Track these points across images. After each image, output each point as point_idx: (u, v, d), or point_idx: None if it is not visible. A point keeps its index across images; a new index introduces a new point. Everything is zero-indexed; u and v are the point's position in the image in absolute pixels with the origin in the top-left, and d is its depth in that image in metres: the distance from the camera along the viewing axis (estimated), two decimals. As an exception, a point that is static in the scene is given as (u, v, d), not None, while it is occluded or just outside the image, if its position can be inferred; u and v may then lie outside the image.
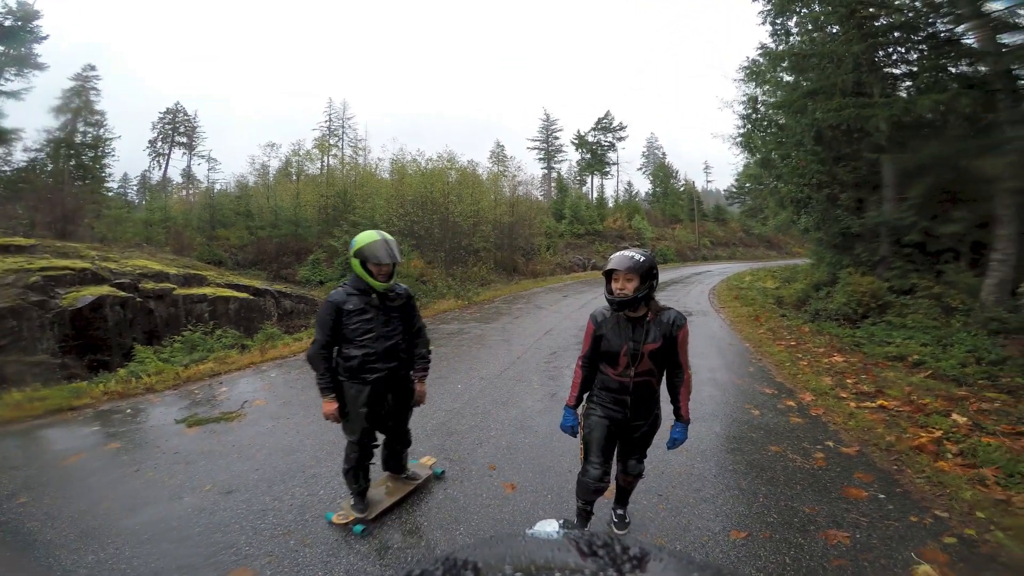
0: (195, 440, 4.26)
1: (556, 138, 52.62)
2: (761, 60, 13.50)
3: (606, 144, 51.01)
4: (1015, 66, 7.61)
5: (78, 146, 25.46)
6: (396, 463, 3.22)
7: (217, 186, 32.34)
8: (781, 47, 12.77)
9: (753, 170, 18.14)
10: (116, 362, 8.02)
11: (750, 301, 13.70)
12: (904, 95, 10.03)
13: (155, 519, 2.97)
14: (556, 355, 7.32)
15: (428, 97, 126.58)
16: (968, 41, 8.53)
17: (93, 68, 28.11)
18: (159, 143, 41.46)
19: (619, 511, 2.86)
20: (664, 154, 56.85)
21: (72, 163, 24.90)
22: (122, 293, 9.25)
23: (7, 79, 18.38)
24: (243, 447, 4.07)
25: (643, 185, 60.77)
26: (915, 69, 9.96)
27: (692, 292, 16.84)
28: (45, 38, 19.46)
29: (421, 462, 3.58)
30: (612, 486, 2.76)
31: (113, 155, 27.68)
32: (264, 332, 9.69)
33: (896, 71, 10.39)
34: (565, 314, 11.57)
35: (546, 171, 51.41)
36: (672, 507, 3.10)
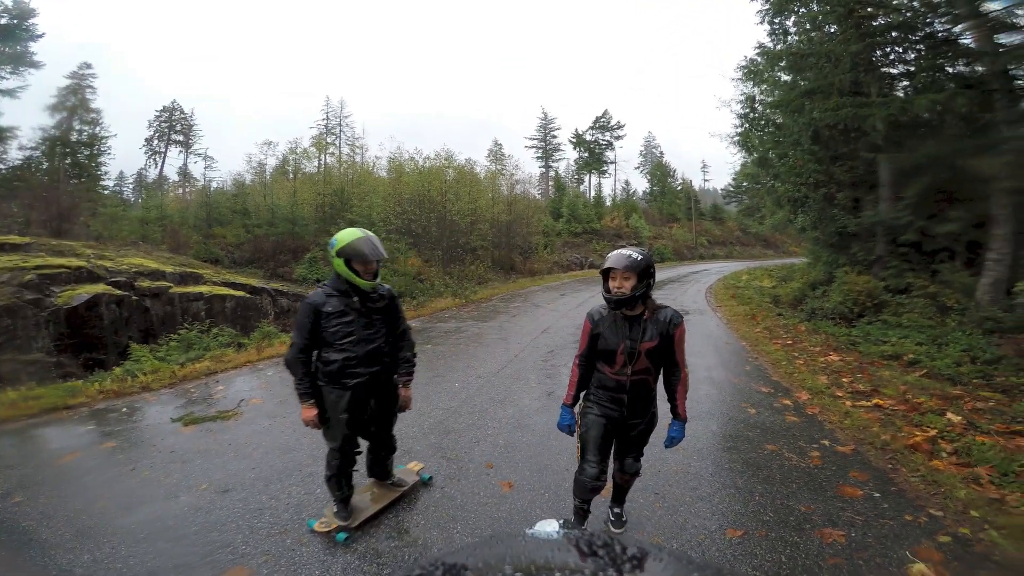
0: (191, 439, 4.25)
1: (554, 137, 52.68)
2: (759, 59, 13.52)
3: (604, 143, 51.06)
4: (1012, 66, 7.63)
5: (74, 144, 25.32)
6: (381, 469, 3.14)
7: (214, 184, 32.34)
8: (779, 46, 12.78)
9: (750, 169, 18.17)
10: (112, 361, 7.99)
11: (747, 300, 13.74)
12: (901, 95, 10.06)
13: (151, 518, 2.96)
14: (553, 353, 7.32)
15: (427, 96, 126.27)
16: (965, 41, 8.56)
17: (89, 66, 28.01)
18: (155, 141, 41.32)
19: (616, 509, 2.87)
20: (662, 153, 57.02)
21: (68, 161, 24.77)
22: (118, 291, 9.21)
23: (2, 77, 18.31)
24: (239, 446, 4.06)
25: (640, 184, 60.87)
26: (912, 69, 9.98)
27: (689, 291, 16.87)
28: (41, 36, 19.38)
29: (408, 467, 3.48)
30: (609, 485, 2.77)
31: (109, 153, 27.54)
32: (261, 330, 9.67)
33: (893, 71, 10.42)
34: (562, 312, 11.58)
35: (544, 170, 51.45)
36: (669, 505, 3.11)
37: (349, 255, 2.59)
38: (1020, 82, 7.81)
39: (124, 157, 56.04)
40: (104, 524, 2.90)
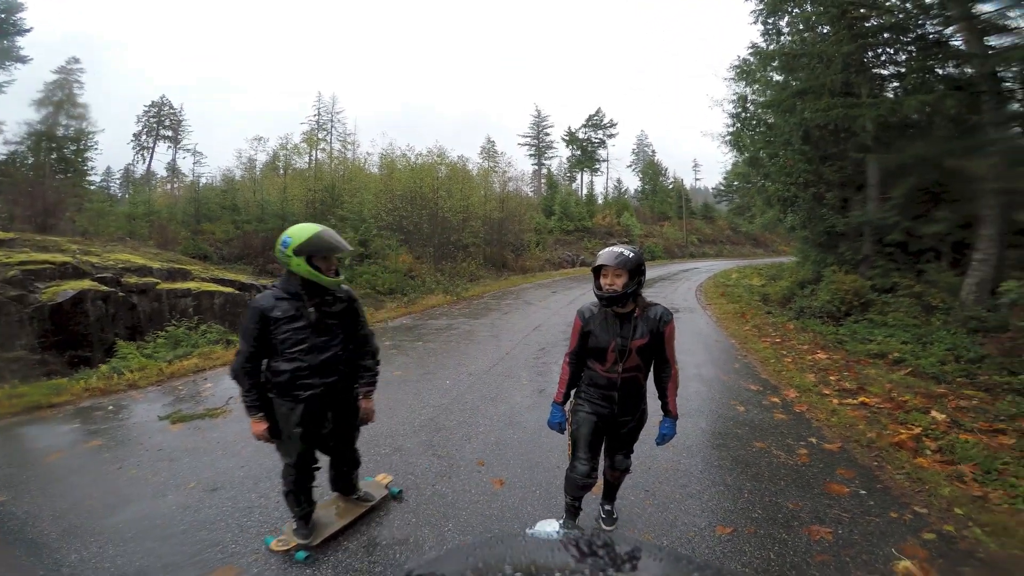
0: (179, 437, 4.21)
1: (547, 134, 52.75)
2: (752, 59, 13.60)
3: (596, 141, 51.12)
4: (1000, 68, 7.74)
5: (60, 139, 24.96)
6: (345, 484, 2.93)
7: (203, 180, 31.89)
8: (772, 47, 12.87)
9: (741, 168, 18.26)
10: (98, 358, 7.88)
11: (736, 298, 13.84)
12: (891, 96, 10.17)
13: (139, 517, 2.93)
14: (545, 351, 7.33)
15: (421, 92, 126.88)
16: (956, 43, 8.66)
17: (77, 61, 27.58)
18: (144, 137, 40.81)
19: (607, 507, 2.88)
20: (654, 152, 57.26)
21: (53, 156, 24.42)
22: (104, 287, 9.08)
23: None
24: (228, 444, 4.03)
25: (632, 182, 61.14)
26: (903, 70, 10.10)
27: (679, 289, 16.97)
28: (28, 31, 19.11)
29: (376, 480, 3.27)
30: (600, 482, 2.78)
31: (96, 148, 27.15)
32: (250, 327, 9.58)
33: (884, 72, 10.54)
34: (554, 310, 11.60)
35: (536, 167, 51.47)
36: (659, 503, 3.13)
37: (311, 251, 2.36)
38: (1008, 84, 7.92)
39: (112, 152, 55.43)
40: (91, 523, 2.86)
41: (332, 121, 40.34)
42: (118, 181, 41.28)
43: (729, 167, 21.68)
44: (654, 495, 3.22)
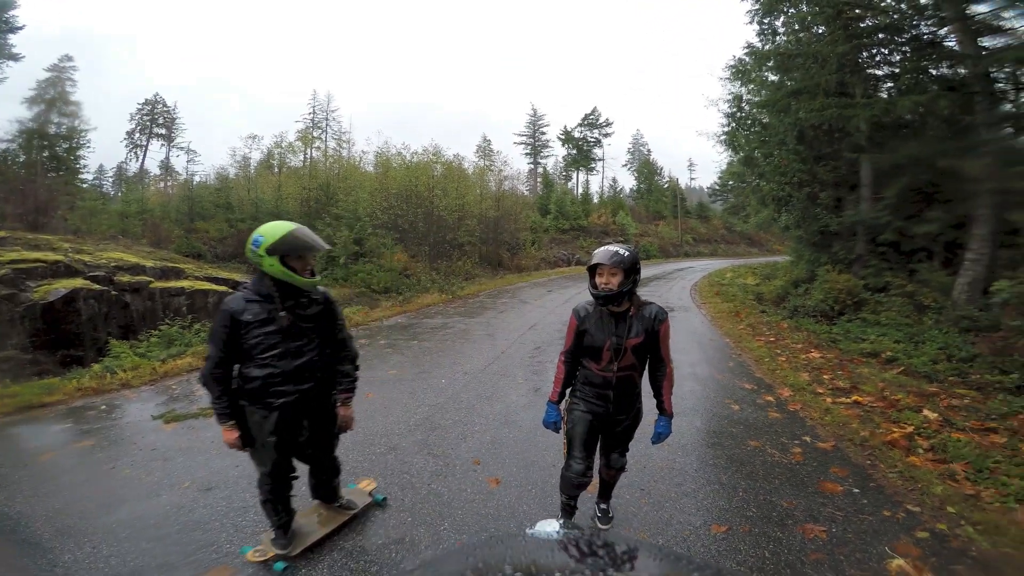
0: (173, 436, 4.19)
1: (543, 133, 52.79)
2: (747, 59, 13.64)
3: (592, 140, 51.19)
4: (993, 69, 7.80)
5: (52, 137, 24.82)
6: (326, 492, 2.81)
7: (196, 178, 31.71)
8: (767, 47, 12.91)
9: (736, 168, 18.33)
10: (90, 357, 7.83)
11: (731, 297, 13.91)
12: (885, 96, 10.23)
13: (133, 517, 2.92)
14: (540, 350, 7.34)
15: (418, 89, 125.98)
16: (950, 44, 8.73)
17: (70, 59, 27.44)
18: (137, 135, 40.54)
19: (602, 505, 2.89)
20: (649, 151, 57.27)
21: (45, 154, 24.27)
22: (96, 286, 9.02)
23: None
24: (222, 443, 3.99)
25: (628, 181, 61.25)
26: (897, 71, 10.17)
27: (674, 288, 17.02)
28: (21, 28, 18.98)
29: (359, 487, 3.13)
30: (595, 481, 2.79)
31: (88, 146, 27.05)
32: (244, 326, 9.54)
33: (878, 72, 10.61)
34: (549, 309, 11.61)
35: (532, 166, 51.46)
36: (654, 501, 3.14)
37: (285, 250, 2.23)
38: (1000, 85, 7.99)
39: (107, 151, 54.83)
40: (84, 523, 2.85)
41: (327, 119, 40.19)
42: (111, 179, 40.95)
43: (724, 167, 21.79)
44: (649, 494, 3.23)
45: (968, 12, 7.85)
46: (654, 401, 2.54)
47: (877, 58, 10.48)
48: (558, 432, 2.61)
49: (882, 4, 9.62)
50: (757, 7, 12.83)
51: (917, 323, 7.97)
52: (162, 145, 41.45)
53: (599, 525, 2.85)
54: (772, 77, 12.62)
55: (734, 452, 3.93)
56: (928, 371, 6.12)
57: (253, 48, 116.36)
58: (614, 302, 2.33)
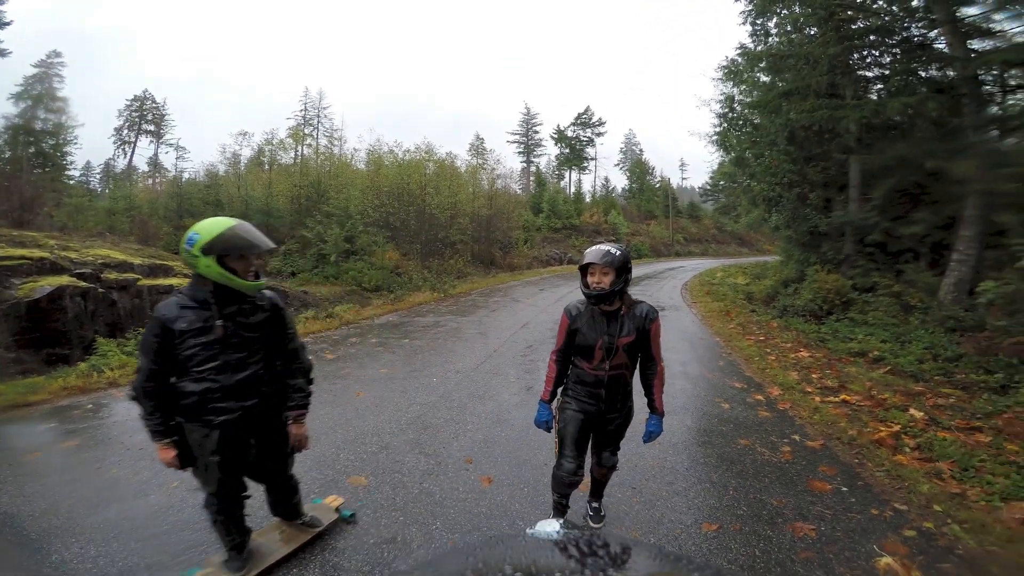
0: (162, 436, 4.14)
1: (536, 132, 52.77)
2: (739, 60, 13.74)
3: (585, 139, 51.27)
4: (981, 71, 7.90)
5: (38, 133, 24.51)
6: (286, 509, 2.60)
7: (185, 175, 31.38)
8: (760, 48, 13.00)
9: (727, 168, 18.46)
10: (76, 356, 7.70)
11: (721, 297, 14.01)
12: (875, 98, 10.34)
13: (121, 517, 2.88)
14: (532, 348, 7.35)
15: (413, 87, 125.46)
16: (939, 46, 8.83)
17: (59, 54, 27.14)
18: (125, 131, 40.05)
19: (594, 504, 2.90)
20: (641, 151, 57.52)
21: (31, 150, 23.96)
22: (83, 283, 8.89)
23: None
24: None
25: (620, 181, 61.31)
26: (887, 72, 10.27)
27: (665, 287, 17.10)
28: (8, 24, 18.68)
29: (325, 503, 2.92)
30: (587, 479, 2.79)
31: (76, 143, 26.80)
32: (234, 324, 9.45)
33: (869, 74, 10.72)
34: (542, 307, 11.62)
35: (525, 165, 51.48)
36: (646, 500, 3.16)
37: (223, 250, 2.00)
38: (988, 87, 8.09)
39: (93, 147, 54.03)
40: (71, 524, 2.81)
41: (319, 116, 39.90)
42: (98, 176, 40.47)
43: (715, 167, 21.93)
44: (641, 492, 3.25)
45: (958, 14, 7.94)
46: (645, 400, 2.55)
47: (868, 60, 10.58)
48: (550, 431, 2.61)
49: (874, 6, 9.72)
50: (750, 8, 12.93)
51: (904, 323, 8.07)
52: (151, 142, 41.07)
53: (591, 524, 2.86)
54: (764, 78, 12.71)
55: (724, 451, 3.96)
56: (914, 370, 6.19)
57: (246, 44, 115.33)
58: (606, 301, 2.33)
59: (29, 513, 2.92)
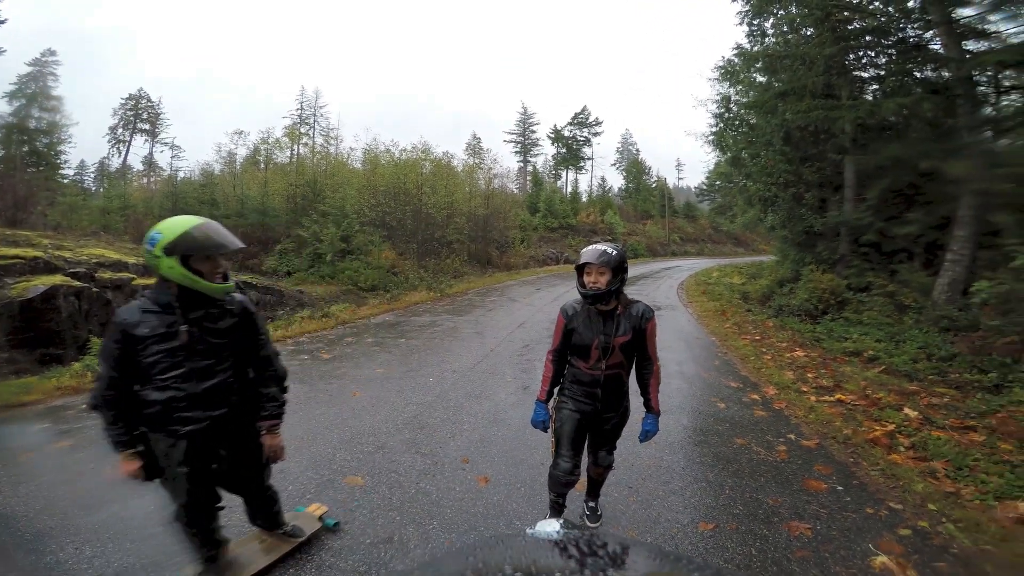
0: (156, 436, 4.12)
1: (533, 131, 52.87)
2: (736, 60, 13.77)
3: (581, 139, 51.32)
4: (976, 72, 7.94)
5: (31, 132, 24.38)
6: (266, 518, 2.48)
7: (181, 174, 31.25)
8: (756, 48, 13.03)
9: (723, 168, 18.51)
10: (70, 356, 7.66)
11: (717, 296, 14.05)
12: (870, 98, 10.38)
13: (116, 517, 2.87)
14: (529, 348, 7.34)
15: (412, 86, 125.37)
16: (935, 47, 8.88)
17: (53, 53, 27.03)
18: (120, 130, 39.85)
19: (591, 503, 2.90)
20: (638, 150, 57.60)
21: (25, 149, 23.84)
22: (77, 283, 8.84)
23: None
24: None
25: (616, 180, 61.50)
26: (882, 73, 10.32)
27: (661, 287, 17.14)
28: (3, 22, 18.54)
29: (308, 511, 2.80)
30: (583, 479, 2.80)
31: (70, 141, 26.66)
32: (229, 324, 9.42)
33: (864, 74, 10.76)
34: (538, 307, 11.62)
35: (522, 164, 51.49)
36: (642, 499, 3.16)
37: (186, 250, 1.86)
38: (982, 88, 8.14)
39: (88, 146, 53.82)
40: (66, 524, 2.79)
41: (315, 115, 39.91)
42: (93, 175, 40.28)
43: (712, 167, 21.99)
44: (637, 492, 3.25)
45: (954, 15, 7.99)
46: (641, 399, 2.55)
47: (863, 60, 10.62)
48: (547, 432, 2.61)
49: (870, 7, 9.76)
50: (747, 8, 12.96)
51: (898, 323, 8.10)
52: (146, 141, 40.92)
53: (587, 523, 2.86)
54: (760, 78, 12.74)
55: (720, 450, 3.97)
56: (908, 370, 6.23)
57: (246, 44, 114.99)
58: (602, 301, 2.34)
59: (23, 514, 2.90)
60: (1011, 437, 4.12)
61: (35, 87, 25.62)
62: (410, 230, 20.43)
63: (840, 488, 3.36)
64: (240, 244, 2.03)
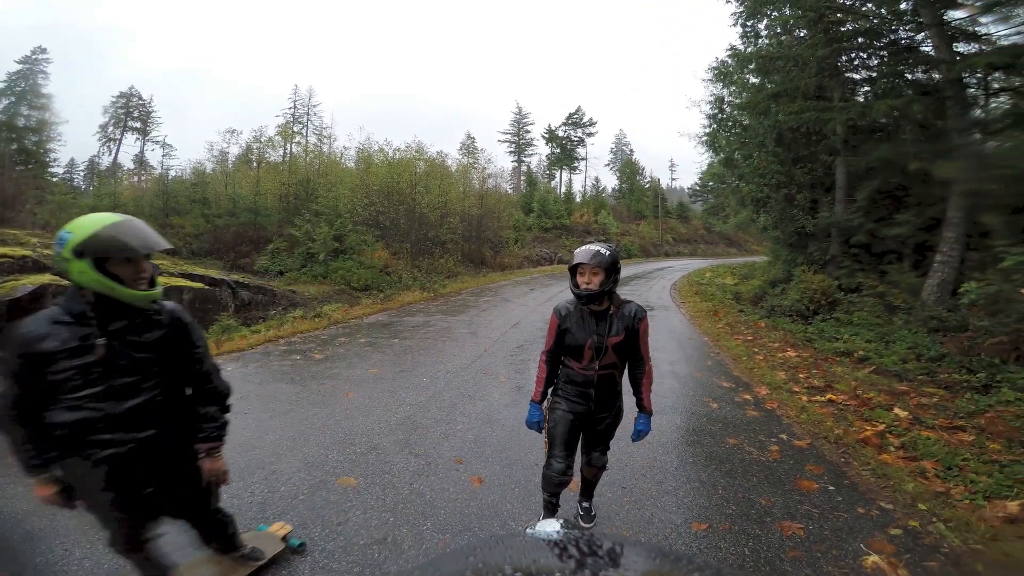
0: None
1: (527, 131, 52.85)
2: (729, 61, 13.87)
3: (576, 139, 51.43)
4: (966, 74, 8.03)
5: (20, 130, 24.14)
6: (221, 540, 2.25)
7: (172, 172, 31.01)
8: (750, 49, 13.12)
9: (716, 169, 18.65)
10: (59, 354, 7.59)
11: (710, 297, 14.12)
12: (862, 100, 10.48)
13: (103, 520, 2.83)
14: (523, 348, 7.34)
15: (406, 85, 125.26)
16: (926, 49, 8.97)
17: (44, 51, 26.73)
18: (110, 128, 39.43)
19: (585, 504, 2.91)
20: (632, 151, 57.78)
21: (14, 147, 23.59)
22: (65, 282, 8.74)
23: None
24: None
25: (610, 181, 61.54)
26: (874, 75, 10.42)
27: (654, 287, 17.20)
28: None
29: (270, 531, 2.60)
30: (577, 479, 2.80)
31: (60, 140, 26.44)
32: (220, 324, 9.35)
33: (856, 76, 10.87)
34: (532, 307, 11.62)
35: (516, 164, 51.49)
36: (636, 500, 3.17)
37: (99, 251, 1.60)
38: (972, 90, 8.23)
39: (78, 145, 53.25)
40: (55, 525, 2.75)
41: (308, 114, 39.57)
42: (83, 173, 39.84)
43: (705, 168, 22.10)
44: (631, 492, 3.26)
45: (945, 18, 8.08)
46: (634, 399, 2.56)
47: (855, 62, 10.74)
48: (541, 432, 2.61)
49: (863, 9, 9.85)
50: (741, 10, 13.04)
51: (888, 323, 8.18)
52: (136, 139, 40.48)
53: (581, 523, 2.86)
54: (753, 79, 12.84)
55: (713, 450, 3.98)
56: (898, 370, 6.28)
57: (236, 41, 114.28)
58: (595, 301, 2.34)
59: (12, 516, 2.86)
60: (999, 437, 4.17)
61: (25, 85, 25.36)
62: (403, 230, 20.36)
63: (832, 488, 3.38)
64: (165, 244, 1.78)
